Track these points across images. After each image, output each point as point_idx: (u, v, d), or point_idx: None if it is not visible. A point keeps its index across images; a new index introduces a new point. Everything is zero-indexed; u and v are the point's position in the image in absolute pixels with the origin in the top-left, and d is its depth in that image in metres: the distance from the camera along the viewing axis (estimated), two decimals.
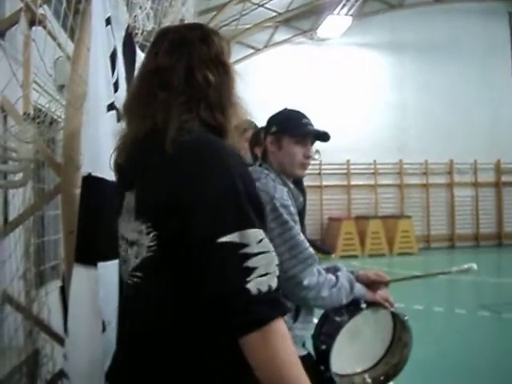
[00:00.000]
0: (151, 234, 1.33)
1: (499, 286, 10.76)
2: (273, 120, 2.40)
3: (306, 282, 2.10)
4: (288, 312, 1.32)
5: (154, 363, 1.34)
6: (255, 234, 1.25)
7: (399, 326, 2.36)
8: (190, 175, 1.28)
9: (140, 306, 1.41)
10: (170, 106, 1.38)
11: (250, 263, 1.22)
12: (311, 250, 2.17)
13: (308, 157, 2.34)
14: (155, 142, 1.35)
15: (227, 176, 1.27)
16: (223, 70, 1.45)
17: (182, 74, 1.41)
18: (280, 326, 1.23)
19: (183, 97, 1.39)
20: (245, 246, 1.23)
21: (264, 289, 1.22)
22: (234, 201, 1.25)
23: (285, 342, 1.22)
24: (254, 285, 1.21)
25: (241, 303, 1.20)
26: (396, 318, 2.34)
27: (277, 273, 1.26)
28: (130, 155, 1.44)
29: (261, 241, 1.25)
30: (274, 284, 1.24)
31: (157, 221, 1.32)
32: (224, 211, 1.24)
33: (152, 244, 1.33)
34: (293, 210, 2.19)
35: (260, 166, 2.35)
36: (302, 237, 2.17)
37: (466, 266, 2.44)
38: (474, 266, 2.41)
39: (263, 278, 1.22)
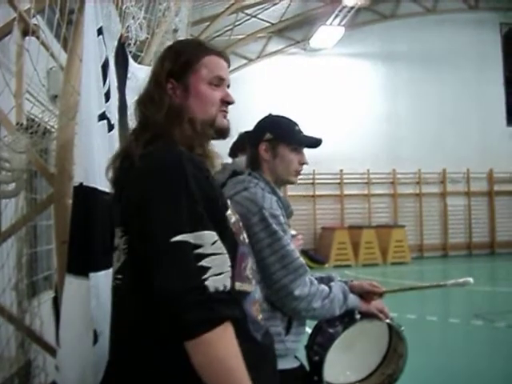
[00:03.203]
0: (123, 238, 1.43)
1: (492, 295, 10.77)
2: (264, 127, 2.31)
3: (296, 293, 2.04)
4: (240, 317, 1.36)
5: (127, 362, 1.42)
6: (209, 235, 1.33)
7: (395, 336, 2.34)
8: (148, 179, 1.38)
9: (118, 309, 1.50)
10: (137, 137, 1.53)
11: (205, 263, 1.29)
12: (302, 259, 2.12)
13: (303, 163, 2.29)
14: (129, 160, 1.47)
15: (182, 179, 1.35)
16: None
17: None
18: (231, 326, 1.29)
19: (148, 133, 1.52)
20: (199, 246, 1.30)
21: (220, 288, 1.29)
22: (189, 204, 1.33)
23: (234, 342, 1.29)
24: (212, 283, 1.28)
25: (202, 299, 1.25)
26: (391, 328, 2.33)
27: (230, 274, 1.33)
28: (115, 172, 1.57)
29: (214, 242, 1.33)
30: (228, 284, 1.32)
31: (126, 224, 1.42)
32: (178, 212, 1.32)
33: (125, 247, 1.43)
34: (282, 219, 2.13)
35: (249, 174, 2.28)
36: (291, 246, 2.11)
37: (461, 280, 2.41)
38: (471, 279, 2.37)
39: (218, 276, 1.29)
